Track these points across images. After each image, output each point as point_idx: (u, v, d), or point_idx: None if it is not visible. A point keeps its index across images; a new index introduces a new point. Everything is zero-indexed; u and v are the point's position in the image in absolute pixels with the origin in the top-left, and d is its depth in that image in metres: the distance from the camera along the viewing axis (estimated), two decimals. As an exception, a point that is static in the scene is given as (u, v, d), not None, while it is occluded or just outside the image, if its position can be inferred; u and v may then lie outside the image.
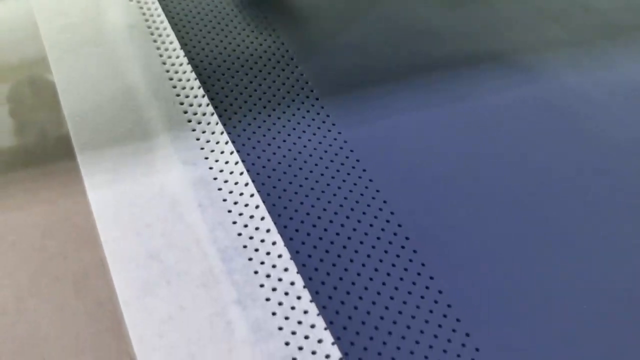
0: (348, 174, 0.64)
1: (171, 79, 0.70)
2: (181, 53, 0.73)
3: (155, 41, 0.76)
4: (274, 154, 0.65)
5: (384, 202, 0.63)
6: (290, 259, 0.57)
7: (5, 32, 0.79)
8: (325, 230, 0.60)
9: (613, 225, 0.65)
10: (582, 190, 0.67)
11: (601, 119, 0.73)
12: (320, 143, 0.67)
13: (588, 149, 0.70)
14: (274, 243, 0.58)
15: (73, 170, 0.62)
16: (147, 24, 0.77)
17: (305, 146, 0.66)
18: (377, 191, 0.63)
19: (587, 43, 0.82)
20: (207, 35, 0.77)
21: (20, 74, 0.74)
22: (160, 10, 0.79)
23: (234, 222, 0.59)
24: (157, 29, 0.77)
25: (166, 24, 0.77)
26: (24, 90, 0.72)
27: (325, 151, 0.66)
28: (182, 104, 0.68)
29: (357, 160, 0.66)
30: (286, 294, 0.56)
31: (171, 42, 0.75)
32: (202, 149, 0.64)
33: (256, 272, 0.56)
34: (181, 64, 0.72)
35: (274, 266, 0.57)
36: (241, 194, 0.61)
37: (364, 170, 0.65)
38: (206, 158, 0.63)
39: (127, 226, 0.58)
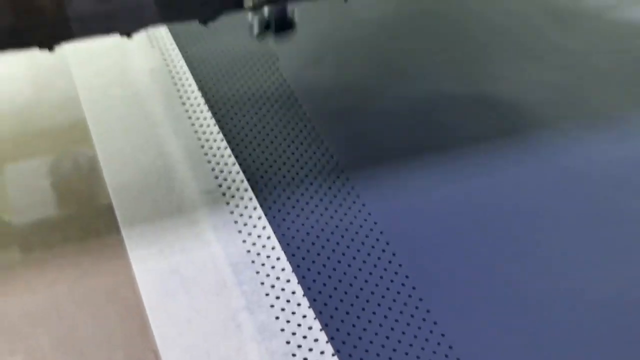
0: (378, 258, 0.68)
1: (206, 154, 0.75)
2: (212, 122, 0.78)
3: (187, 111, 0.81)
4: (303, 224, 0.69)
5: (406, 277, 0.66)
6: (320, 330, 0.61)
7: (45, 103, 0.84)
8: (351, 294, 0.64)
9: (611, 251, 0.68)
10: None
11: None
12: (345, 214, 0.71)
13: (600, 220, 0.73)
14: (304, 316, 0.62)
15: (118, 243, 0.66)
16: (183, 103, 0.82)
17: (331, 217, 0.70)
18: (400, 266, 0.67)
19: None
20: (240, 111, 0.81)
21: (61, 146, 0.79)
22: (192, 81, 0.84)
23: (267, 294, 0.63)
24: (192, 105, 0.81)
25: (203, 106, 0.82)
26: (66, 162, 0.77)
27: (351, 223, 0.70)
28: (216, 177, 0.73)
29: (381, 233, 0.70)
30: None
31: (202, 112, 0.80)
32: (235, 222, 0.68)
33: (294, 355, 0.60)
34: (215, 140, 0.76)
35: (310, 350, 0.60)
36: (273, 267, 0.65)
37: (394, 255, 0.68)
38: (240, 231, 0.67)
39: (170, 293, 0.61)
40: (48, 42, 0.63)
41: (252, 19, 0.79)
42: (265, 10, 0.77)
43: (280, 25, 0.77)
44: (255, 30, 0.79)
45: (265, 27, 0.78)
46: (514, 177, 0.76)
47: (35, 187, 0.74)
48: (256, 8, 0.66)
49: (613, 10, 0.99)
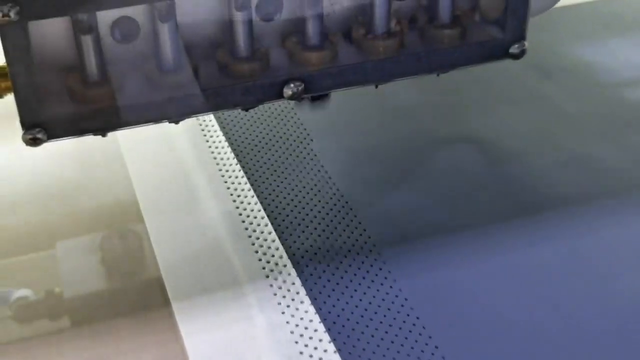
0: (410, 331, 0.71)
1: (250, 236, 0.80)
2: (253, 200, 0.83)
3: (229, 188, 0.86)
4: (338, 299, 0.73)
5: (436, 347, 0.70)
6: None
7: (95, 181, 0.90)
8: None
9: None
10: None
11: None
12: (378, 290, 0.75)
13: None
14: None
15: (168, 316, 0.71)
16: (225, 181, 0.87)
17: (361, 299, 0.74)
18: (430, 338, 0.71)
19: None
20: (283, 190, 0.87)
21: (113, 223, 0.84)
22: (234, 161, 0.89)
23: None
24: (233, 183, 0.87)
25: (245, 185, 0.87)
26: (118, 238, 0.82)
27: (383, 299, 0.74)
28: (256, 252, 0.78)
29: (411, 309, 0.73)
30: None
31: (243, 189, 0.85)
32: (279, 304, 0.72)
33: None
34: (259, 224, 0.81)
35: None
36: (310, 338, 0.69)
37: (424, 329, 0.72)
38: (283, 312, 0.72)
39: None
40: (103, 130, 0.69)
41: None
42: None
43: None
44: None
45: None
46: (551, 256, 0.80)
47: (87, 261, 0.79)
48: (294, 99, 0.71)
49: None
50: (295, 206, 0.84)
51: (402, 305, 0.73)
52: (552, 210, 0.85)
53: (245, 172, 0.88)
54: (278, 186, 0.87)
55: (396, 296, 0.74)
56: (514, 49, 0.77)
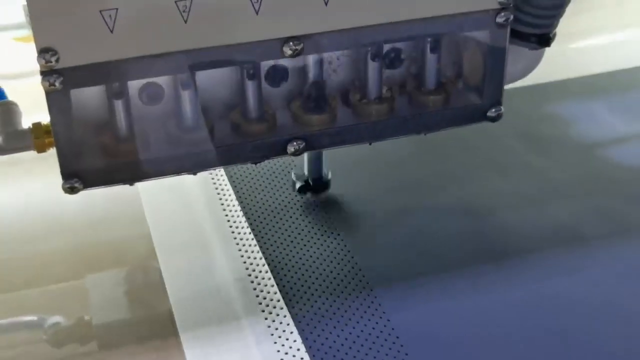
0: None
1: (252, 281, 0.90)
2: (254, 243, 0.94)
3: (233, 232, 0.96)
4: (330, 333, 0.83)
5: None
6: None
7: (118, 220, 1.01)
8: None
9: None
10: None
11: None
12: (373, 329, 0.84)
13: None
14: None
15: (176, 344, 0.81)
16: (230, 226, 0.98)
17: (358, 336, 0.83)
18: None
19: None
20: (282, 237, 0.97)
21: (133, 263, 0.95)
22: (238, 207, 0.99)
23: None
24: (239, 234, 0.97)
25: (247, 229, 0.97)
26: (137, 275, 0.93)
27: (373, 328, 0.83)
28: (260, 303, 0.87)
29: (397, 337, 0.83)
30: None
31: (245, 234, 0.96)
32: (271, 335, 0.82)
33: None
34: (264, 276, 0.91)
35: None
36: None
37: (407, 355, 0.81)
38: (275, 342, 0.81)
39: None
40: (131, 180, 0.79)
41: (294, 177, 0.97)
42: (305, 169, 0.95)
43: (317, 186, 0.97)
44: (297, 187, 0.99)
45: (305, 185, 0.98)
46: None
47: (111, 293, 0.89)
48: (296, 155, 0.81)
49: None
50: (291, 241, 0.95)
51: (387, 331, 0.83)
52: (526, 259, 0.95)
53: (248, 219, 0.98)
54: (277, 223, 0.97)
55: (385, 326, 0.84)
56: (491, 113, 0.87)
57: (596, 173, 1.10)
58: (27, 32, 1.23)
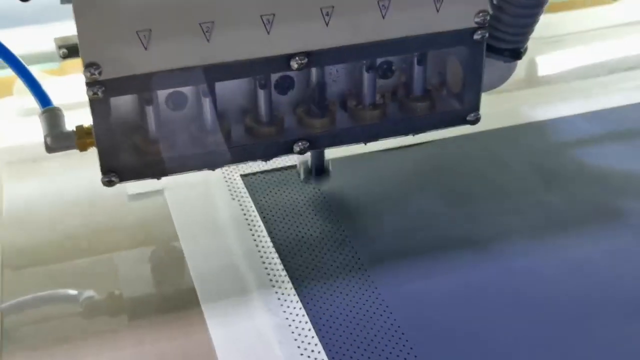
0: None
1: (263, 262, 1.01)
2: (268, 239, 1.05)
3: (246, 219, 1.09)
4: (331, 305, 0.95)
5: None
6: None
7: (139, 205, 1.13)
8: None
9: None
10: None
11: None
12: (366, 301, 0.95)
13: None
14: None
15: (198, 314, 0.93)
16: (246, 220, 1.10)
17: (354, 307, 0.93)
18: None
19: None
20: (289, 222, 1.09)
21: (158, 244, 1.08)
22: (256, 212, 1.10)
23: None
24: (252, 222, 1.08)
25: (257, 215, 1.09)
26: (161, 254, 1.06)
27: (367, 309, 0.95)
28: (270, 280, 0.97)
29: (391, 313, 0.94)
30: None
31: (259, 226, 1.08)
32: (281, 305, 0.93)
33: None
34: (273, 257, 1.02)
35: None
36: (305, 337, 0.91)
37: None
38: (284, 312, 0.93)
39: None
40: (159, 175, 0.92)
41: (299, 167, 1.09)
42: (309, 159, 1.07)
43: (319, 171, 1.08)
44: (302, 176, 1.10)
45: (309, 173, 1.09)
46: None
47: (138, 270, 1.02)
48: (301, 152, 0.93)
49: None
50: (302, 236, 1.07)
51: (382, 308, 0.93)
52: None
53: (260, 212, 1.09)
54: (291, 221, 1.08)
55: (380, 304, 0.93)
56: (470, 117, 0.99)
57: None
58: (57, 65, 1.35)
